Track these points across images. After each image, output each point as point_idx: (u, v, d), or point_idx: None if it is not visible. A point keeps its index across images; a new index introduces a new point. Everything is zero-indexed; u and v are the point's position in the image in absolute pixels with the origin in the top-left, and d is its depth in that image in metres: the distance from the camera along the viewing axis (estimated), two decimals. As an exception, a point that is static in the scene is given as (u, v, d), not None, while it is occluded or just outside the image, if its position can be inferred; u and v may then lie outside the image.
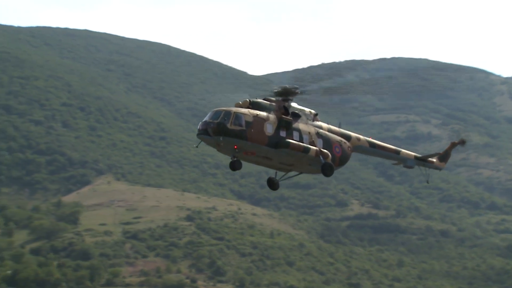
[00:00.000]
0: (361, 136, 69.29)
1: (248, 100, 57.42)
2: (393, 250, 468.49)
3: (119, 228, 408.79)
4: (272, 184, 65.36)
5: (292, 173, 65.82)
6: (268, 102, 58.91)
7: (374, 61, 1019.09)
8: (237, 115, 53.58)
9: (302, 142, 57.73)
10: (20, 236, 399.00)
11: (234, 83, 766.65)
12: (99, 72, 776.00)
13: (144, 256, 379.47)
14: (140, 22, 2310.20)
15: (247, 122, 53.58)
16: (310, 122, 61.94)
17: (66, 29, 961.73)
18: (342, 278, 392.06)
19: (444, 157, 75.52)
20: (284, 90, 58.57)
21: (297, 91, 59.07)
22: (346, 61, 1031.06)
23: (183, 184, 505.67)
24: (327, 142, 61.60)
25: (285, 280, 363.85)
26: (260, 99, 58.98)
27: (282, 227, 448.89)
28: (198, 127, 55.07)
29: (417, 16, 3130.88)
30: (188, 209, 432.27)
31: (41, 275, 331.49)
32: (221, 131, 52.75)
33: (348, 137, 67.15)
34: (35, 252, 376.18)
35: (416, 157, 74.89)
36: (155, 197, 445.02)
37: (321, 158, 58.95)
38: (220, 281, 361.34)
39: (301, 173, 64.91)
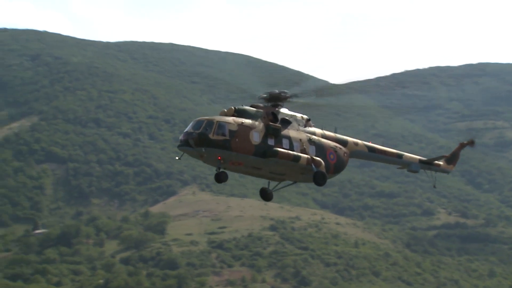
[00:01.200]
0: (359, 141, 66.03)
1: (233, 107, 56.52)
2: (483, 260, 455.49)
3: (204, 238, 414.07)
4: (265, 194, 63.45)
5: (286, 182, 62.83)
6: (255, 109, 57.93)
7: (459, 67, 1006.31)
8: (220, 124, 52.54)
9: (293, 150, 55.61)
10: (111, 246, 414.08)
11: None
12: (184, 85, 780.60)
13: (230, 266, 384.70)
14: (222, 34, 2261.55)
15: (231, 131, 52.40)
16: (301, 128, 58.75)
17: (151, 43, 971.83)
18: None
19: (452, 159, 71.85)
20: (273, 95, 57.70)
21: (287, 96, 57.84)
22: (431, 68, 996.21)
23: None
24: (321, 149, 58.55)
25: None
26: (247, 106, 58.15)
27: (366, 236, 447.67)
28: (180, 138, 54.39)
29: (505, 19, 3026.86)
30: (272, 219, 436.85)
31: (131, 284, 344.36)
32: (203, 142, 51.55)
33: (344, 143, 63.60)
34: (125, 261, 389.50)
35: (420, 161, 71.83)
36: (239, 207, 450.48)
37: (313, 166, 56.31)
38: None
39: (295, 182, 61.62)
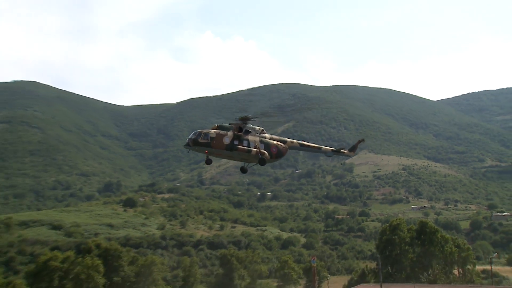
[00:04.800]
0: (294, 140, 57.79)
1: (216, 124, 51.44)
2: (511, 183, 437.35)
3: (371, 174, 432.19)
4: (243, 170, 58.02)
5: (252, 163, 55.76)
6: (229, 125, 52.85)
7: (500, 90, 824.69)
8: (205, 133, 48.68)
9: (249, 147, 51.22)
10: (328, 178, 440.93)
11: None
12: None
13: (383, 186, 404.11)
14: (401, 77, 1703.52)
15: (211, 137, 48.37)
16: (257, 135, 53.34)
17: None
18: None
19: (352, 149, 61.75)
20: (242, 117, 52.60)
21: (250, 117, 52.85)
22: (483, 91, 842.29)
23: (399, 152, 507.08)
24: (267, 145, 53.08)
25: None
26: (226, 123, 53.19)
27: (450, 172, 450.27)
28: (186, 140, 49.99)
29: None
30: (403, 165, 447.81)
31: (337, 194, 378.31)
32: (196, 143, 48.15)
33: (284, 142, 56.23)
34: (334, 184, 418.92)
35: (332, 150, 61.18)
36: (387, 159, 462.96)
37: (260, 155, 51.52)
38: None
39: (256, 163, 54.69)
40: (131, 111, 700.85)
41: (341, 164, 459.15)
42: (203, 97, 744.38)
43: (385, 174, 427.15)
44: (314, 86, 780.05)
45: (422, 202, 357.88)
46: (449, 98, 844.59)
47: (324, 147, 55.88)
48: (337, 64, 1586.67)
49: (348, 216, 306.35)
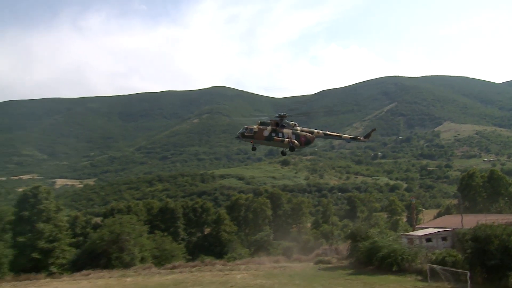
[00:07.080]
0: (320, 131, 44.15)
1: (259, 121, 42.12)
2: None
3: (453, 138, 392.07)
4: (283, 153, 44.65)
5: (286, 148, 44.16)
6: (269, 121, 42.58)
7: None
8: (250, 128, 40.77)
9: (283, 138, 41.65)
10: (421, 142, 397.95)
11: None
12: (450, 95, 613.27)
13: (462, 147, 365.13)
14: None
15: (254, 131, 40.45)
16: (290, 128, 42.68)
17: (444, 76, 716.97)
18: None
19: (366, 136, 45.38)
20: (280, 115, 42.70)
21: (286, 115, 42.18)
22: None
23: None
24: (298, 136, 42.56)
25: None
26: (267, 119, 43.12)
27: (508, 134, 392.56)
28: (237, 133, 41.00)
29: None
30: (476, 130, 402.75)
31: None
32: (243, 136, 39.89)
33: (312, 132, 43.65)
34: (426, 146, 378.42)
35: (351, 137, 46.21)
36: (456, 127, 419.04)
37: (291, 143, 41.53)
38: None
39: (289, 149, 42.71)
40: (284, 101, 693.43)
41: (432, 131, 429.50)
42: (331, 89, 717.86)
43: (463, 137, 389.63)
44: (409, 77, 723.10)
45: (491, 156, 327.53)
46: (510, 80, 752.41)
47: (344, 135, 45.97)
48: (425, 59, 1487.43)
49: (436, 168, 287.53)
